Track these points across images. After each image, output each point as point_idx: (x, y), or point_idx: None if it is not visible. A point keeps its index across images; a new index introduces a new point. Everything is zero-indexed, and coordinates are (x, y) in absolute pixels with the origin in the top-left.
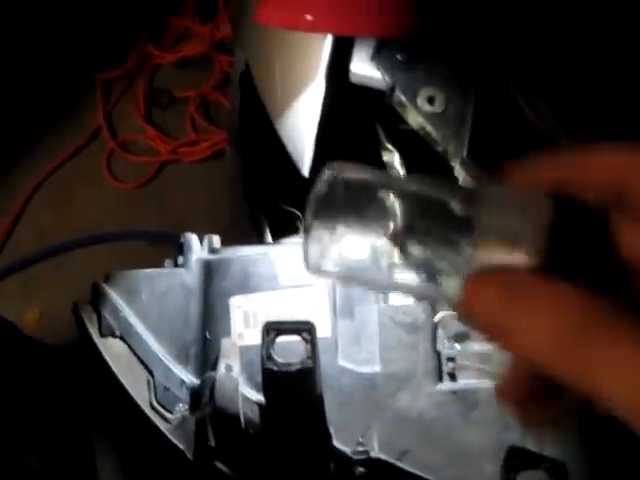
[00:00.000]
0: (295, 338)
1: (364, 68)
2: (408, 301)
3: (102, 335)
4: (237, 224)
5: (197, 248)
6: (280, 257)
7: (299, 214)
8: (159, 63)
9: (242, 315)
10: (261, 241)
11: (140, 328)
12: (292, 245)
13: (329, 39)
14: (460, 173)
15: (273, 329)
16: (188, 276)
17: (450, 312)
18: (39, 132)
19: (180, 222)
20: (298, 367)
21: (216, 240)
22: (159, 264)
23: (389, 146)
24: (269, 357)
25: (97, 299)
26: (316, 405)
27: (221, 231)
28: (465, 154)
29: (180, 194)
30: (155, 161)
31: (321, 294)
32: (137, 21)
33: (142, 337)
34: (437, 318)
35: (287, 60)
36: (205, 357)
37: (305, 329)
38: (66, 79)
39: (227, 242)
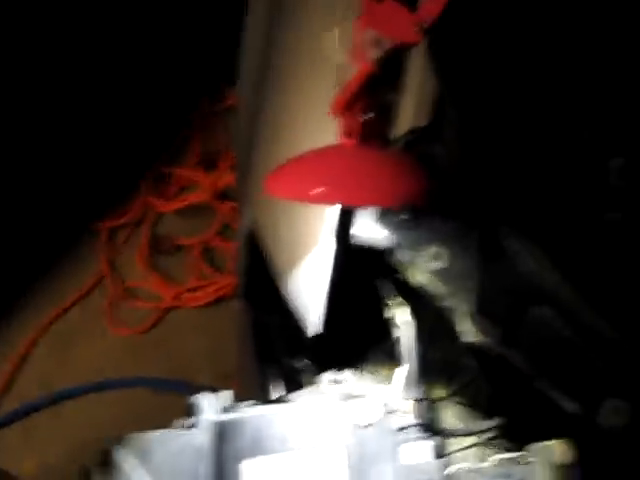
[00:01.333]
0: None
1: (368, 231)
2: (423, 458)
3: None
4: (245, 374)
5: (207, 409)
6: (291, 417)
7: (306, 368)
8: (162, 211)
9: None
10: (266, 393)
11: None
12: (302, 404)
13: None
14: (469, 328)
15: None
16: (199, 438)
17: (465, 465)
18: (43, 279)
19: (184, 368)
20: None
21: (228, 397)
22: (161, 413)
23: (392, 302)
24: None
25: (108, 464)
26: None
27: (224, 375)
28: (474, 309)
29: (183, 339)
30: (159, 307)
31: (335, 454)
32: (141, 171)
33: None
34: (450, 471)
35: (292, 225)
36: None
37: None
38: (69, 228)
39: (236, 392)
